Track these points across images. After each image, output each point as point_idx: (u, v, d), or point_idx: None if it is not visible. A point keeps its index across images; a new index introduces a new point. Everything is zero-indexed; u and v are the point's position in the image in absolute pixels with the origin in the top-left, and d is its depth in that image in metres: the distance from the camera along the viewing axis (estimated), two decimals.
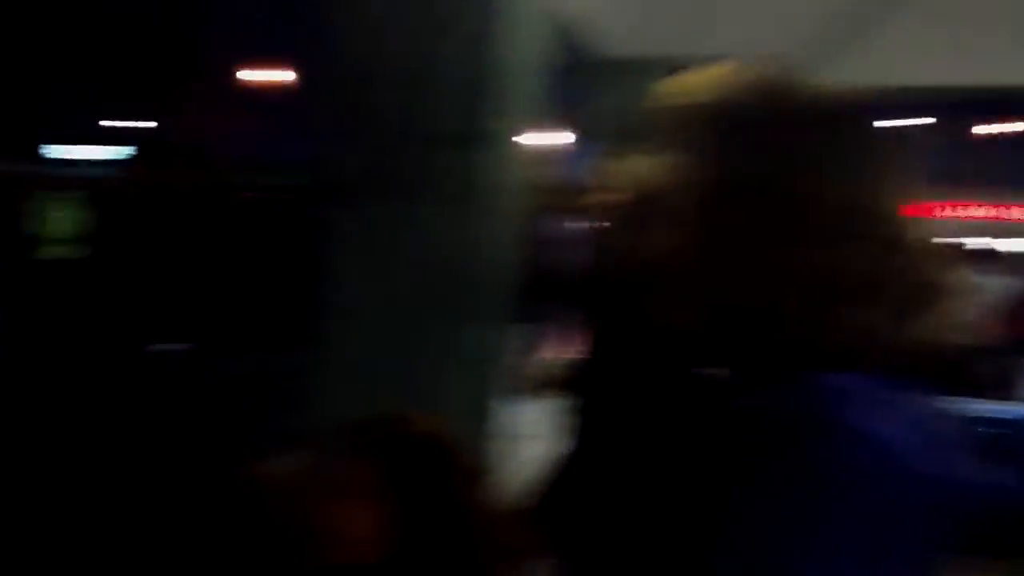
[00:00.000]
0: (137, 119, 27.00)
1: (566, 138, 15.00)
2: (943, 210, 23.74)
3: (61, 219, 8.30)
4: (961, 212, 24.66)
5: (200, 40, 23.47)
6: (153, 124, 26.88)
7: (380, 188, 1.70)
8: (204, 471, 5.04)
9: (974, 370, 6.45)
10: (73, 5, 22.00)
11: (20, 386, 6.40)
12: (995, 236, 19.49)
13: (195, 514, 4.35)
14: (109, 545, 4.04)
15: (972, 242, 14.32)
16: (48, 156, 25.89)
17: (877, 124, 1.11)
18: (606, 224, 2.96)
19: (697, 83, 1.15)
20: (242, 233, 9.45)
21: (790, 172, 1.03)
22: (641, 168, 2.55)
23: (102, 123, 27.11)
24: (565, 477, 2.72)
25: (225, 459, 5.19)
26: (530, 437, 2.69)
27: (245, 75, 25.67)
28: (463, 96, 1.69)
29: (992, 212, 25.59)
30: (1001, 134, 25.05)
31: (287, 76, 25.71)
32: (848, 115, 1.10)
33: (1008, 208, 25.65)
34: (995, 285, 8.73)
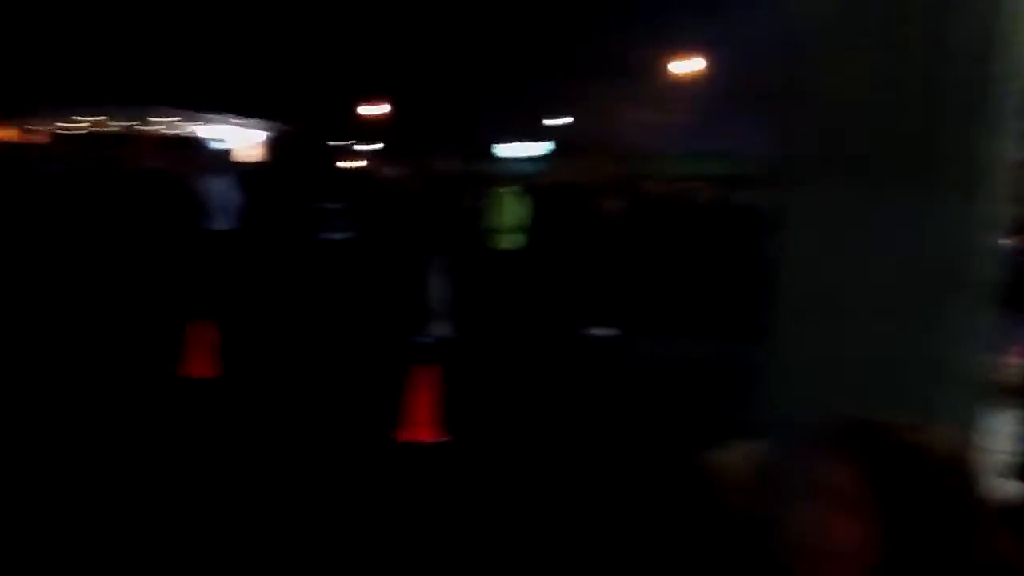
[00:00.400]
0: (564, 116, 28.96)
1: None
2: None
3: (505, 212, 9.19)
4: None
5: (618, 35, 24.38)
6: (573, 120, 28.65)
7: (852, 170, 1.62)
8: (636, 453, 5.31)
9: None
10: (506, 18, 24.06)
11: (469, 364, 7.26)
12: None
13: (640, 495, 4.58)
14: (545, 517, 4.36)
15: None
16: (495, 154, 28.73)
17: None
18: None
19: None
20: (668, 223, 9.75)
21: None
22: None
23: (538, 122, 29.38)
24: None
25: (656, 443, 5.41)
26: (999, 448, 2.48)
27: (666, 66, 26.18)
28: (964, 63, 1.53)
29: None
30: None
31: (703, 64, 25.77)
32: None
33: None
34: None
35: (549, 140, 28.84)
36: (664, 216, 9.84)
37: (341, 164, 22.68)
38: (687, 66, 25.94)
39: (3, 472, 4.52)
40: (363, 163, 27.89)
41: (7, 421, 5.36)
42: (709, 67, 25.53)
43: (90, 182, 9.55)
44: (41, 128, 26.80)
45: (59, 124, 27.79)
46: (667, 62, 26.14)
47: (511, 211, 9.13)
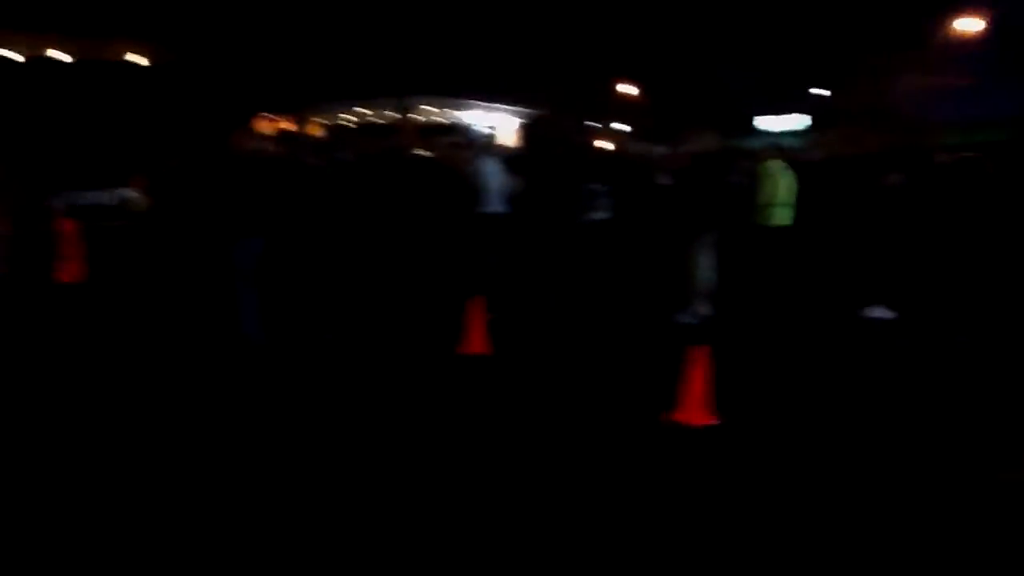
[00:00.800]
0: (827, 87, 27.44)
1: None
2: None
3: (774, 186, 8.81)
4: None
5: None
6: (836, 89, 27.03)
7: None
8: (917, 447, 4.94)
9: None
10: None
11: (739, 345, 7.08)
12: None
13: (923, 492, 4.25)
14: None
15: None
16: (756, 128, 27.79)
17: None
18: None
19: None
20: (956, 196, 8.96)
21: None
22: None
23: (800, 93, 28.08)
24: None
25: (940, 439, 5.00)
26: None
27: (939, 27, 24.10)
28: None
29: None
30: None
31: (980, 25, 23.46)
32: None
33: None
34: None
35: (811, 112, 27.49)
36: (951, 189, 9.03)
37: (599, 144, 22.91)
38: (961, 27, 23.72)
39: (302, 439, 5.01)
40: (620, 142, 28.01)
41: (303, 398, 5.92)
42: (986, 27, 23.21)
43: (371, 169, 10.24)
44: (322, 120, 29.14)
45: (339, 116, 30.11)
46: (940, 23, 24.04)
47: (781, 186, 8.74)
